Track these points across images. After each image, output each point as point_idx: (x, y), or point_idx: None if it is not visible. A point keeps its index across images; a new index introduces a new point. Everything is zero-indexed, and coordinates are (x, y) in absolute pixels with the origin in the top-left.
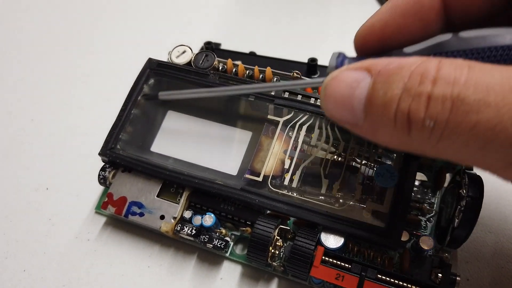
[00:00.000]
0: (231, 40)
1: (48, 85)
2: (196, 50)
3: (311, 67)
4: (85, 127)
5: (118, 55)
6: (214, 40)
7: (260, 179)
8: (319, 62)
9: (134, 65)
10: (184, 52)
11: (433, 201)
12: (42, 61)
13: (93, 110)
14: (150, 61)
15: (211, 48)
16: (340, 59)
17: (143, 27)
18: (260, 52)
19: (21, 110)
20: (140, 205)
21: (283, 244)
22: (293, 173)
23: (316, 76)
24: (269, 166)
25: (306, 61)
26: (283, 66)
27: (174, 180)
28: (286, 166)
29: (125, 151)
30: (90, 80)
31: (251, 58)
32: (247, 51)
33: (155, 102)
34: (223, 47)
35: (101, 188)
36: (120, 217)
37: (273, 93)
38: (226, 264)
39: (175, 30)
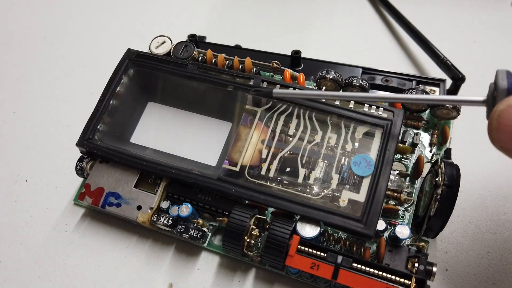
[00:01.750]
0: (217, 34)
1: (31, 78)
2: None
3: (295, 59)
4: (67, 119)
5: (102, 48)
6: (200, 33)
7: (237, 169)
8: (303, 55)
9: (119, 58)
10: (163, 42)
11: (411, 190)
12: (25, 54)
13: (75, 103)
14: (129, 52)
15: (195, 41)
16: None
17: (130, 20)
18: (245, 45)
19: (3, 102)
20: (117, 196)
21: (260, 234)
22: (271, 163)
23: (299, 68)
24: (247, 156)
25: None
26: (267, 58)
27: (151, 170)
28: (264, 156)
29: (103, 142)
30: (73, 73)
31: (236, 51)
32: (232, 44)
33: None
34: (208, 40)
35: (80, 180)
36: (97, 208)
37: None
38: (204, 255)
39: (161, 24)
